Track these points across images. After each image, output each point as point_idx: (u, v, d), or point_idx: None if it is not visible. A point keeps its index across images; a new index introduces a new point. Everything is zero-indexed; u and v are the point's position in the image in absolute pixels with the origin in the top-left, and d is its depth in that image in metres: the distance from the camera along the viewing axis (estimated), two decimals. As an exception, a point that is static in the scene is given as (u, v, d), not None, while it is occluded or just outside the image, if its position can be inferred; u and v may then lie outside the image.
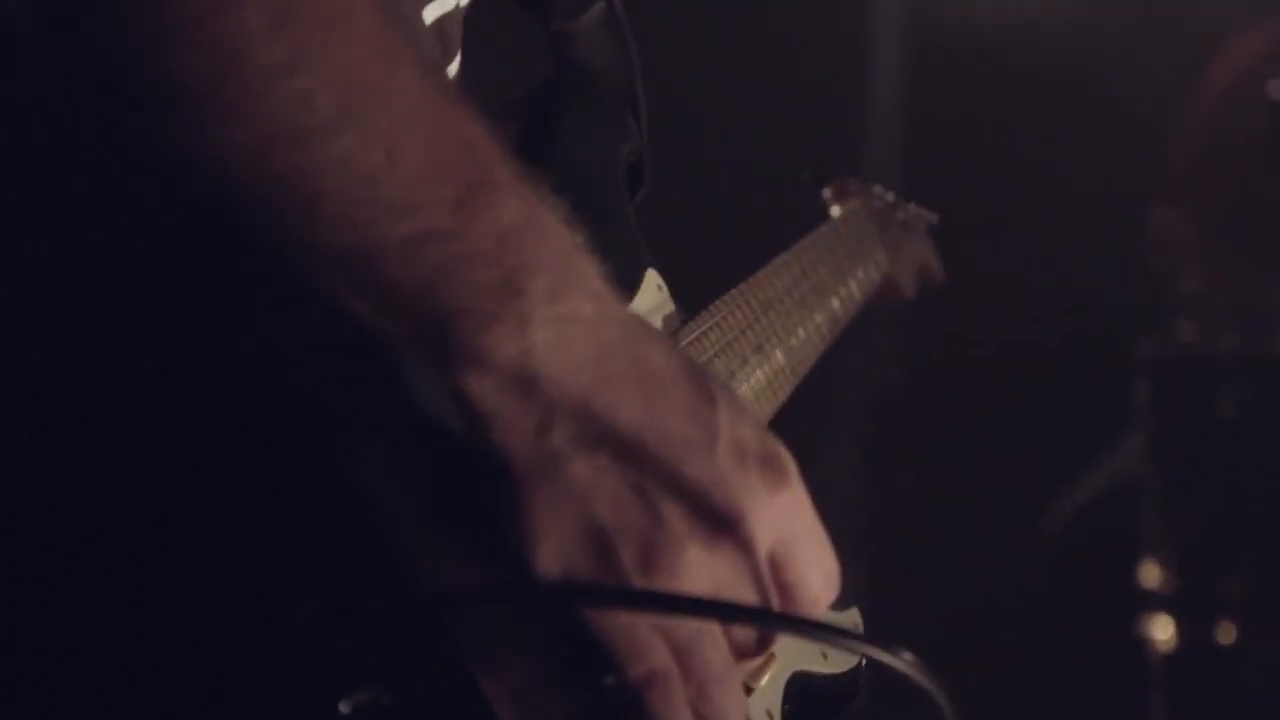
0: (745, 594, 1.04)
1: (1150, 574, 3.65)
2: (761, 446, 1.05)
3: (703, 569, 1.02)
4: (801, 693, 1.18)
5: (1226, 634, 3.57)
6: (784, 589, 1.05)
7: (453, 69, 1.36)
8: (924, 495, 4.10)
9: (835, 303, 1.73)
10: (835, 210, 2.04)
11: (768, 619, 1.06)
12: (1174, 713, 3.60)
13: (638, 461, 1.01)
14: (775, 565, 1.05)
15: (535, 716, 1.03)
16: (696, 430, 1.03)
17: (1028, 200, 4.09)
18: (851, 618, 1.31)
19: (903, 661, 1.00)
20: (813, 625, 1.05)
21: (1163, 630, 3.61)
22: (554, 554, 1.01)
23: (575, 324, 1.01)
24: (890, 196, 2.14)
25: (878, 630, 1.07)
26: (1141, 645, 3.63)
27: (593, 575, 1.01)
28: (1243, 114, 3.69)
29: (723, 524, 1.02)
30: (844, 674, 1.23)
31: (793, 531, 1.05)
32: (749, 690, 1.13)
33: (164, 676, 1.00)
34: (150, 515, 1.01)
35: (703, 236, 2.92)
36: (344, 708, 0.96)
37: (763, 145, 3.80)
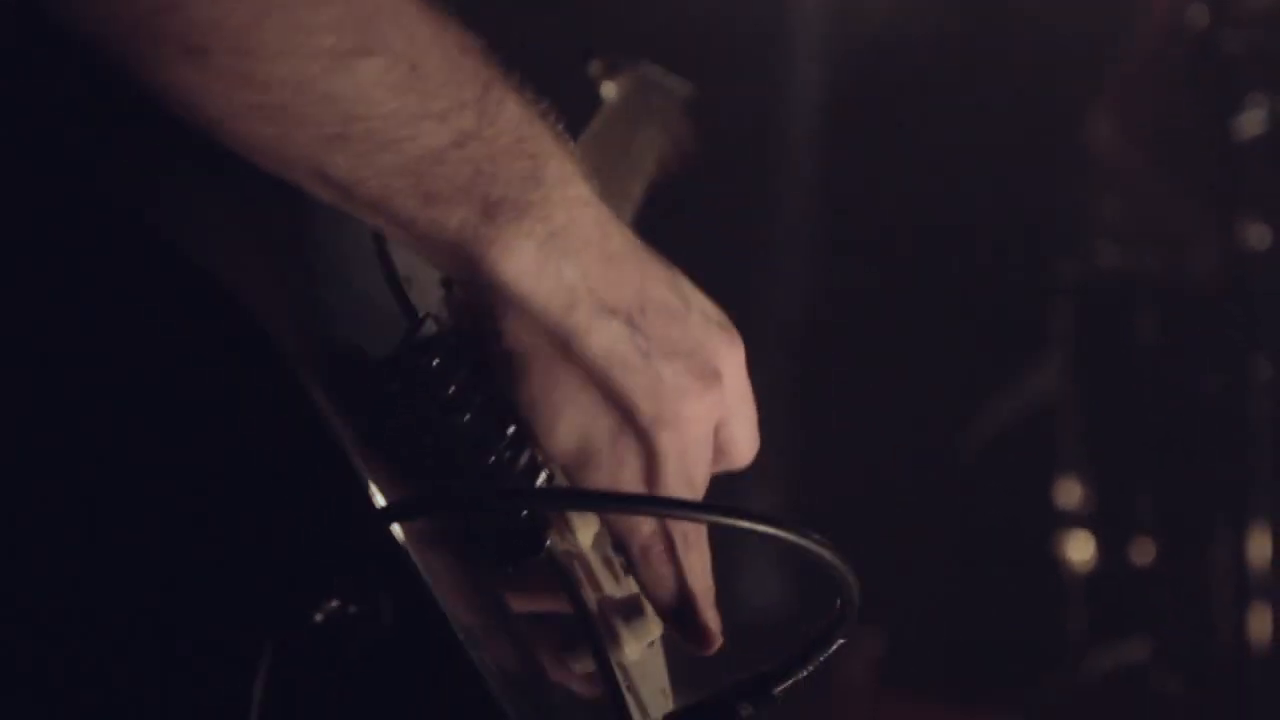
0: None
1: (1068, 493, 3.68)
2: (718, 313, 1.16)
3: (698, 421, 1.12)
4: None
5: (1144, 552, 3.61)
6: (719, 446, 1.16)
7: None
8: (842, 416, 4.11)
9: (637, 186, 1.74)
10: (609, 87, 2.06)
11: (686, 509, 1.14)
12: (1092, 630, 3.64)
13: (639, 328, 1.10)
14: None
15: (492, 622, 1.08)
16: (676, 299, 1.13)
17: (949, 122, 4.09)
18: None
19: (812, 542, 1.07)
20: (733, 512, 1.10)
21: (1080, 549, 3.64)
22: (574, 425, 1.11)
23: (582, 205, 1.09)
24: (656, 71, 2.15)
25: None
26: (1059, 563, 3.66)
27: (611, 439, 1.10)
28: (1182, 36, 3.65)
29: (705, 381, 1.12)
30: None
31: (743, 391, 1.16)
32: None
33: (131, 596, 1.00)
34: (118, 429, 1.00)
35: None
36: (318, 617, 0.98)
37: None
